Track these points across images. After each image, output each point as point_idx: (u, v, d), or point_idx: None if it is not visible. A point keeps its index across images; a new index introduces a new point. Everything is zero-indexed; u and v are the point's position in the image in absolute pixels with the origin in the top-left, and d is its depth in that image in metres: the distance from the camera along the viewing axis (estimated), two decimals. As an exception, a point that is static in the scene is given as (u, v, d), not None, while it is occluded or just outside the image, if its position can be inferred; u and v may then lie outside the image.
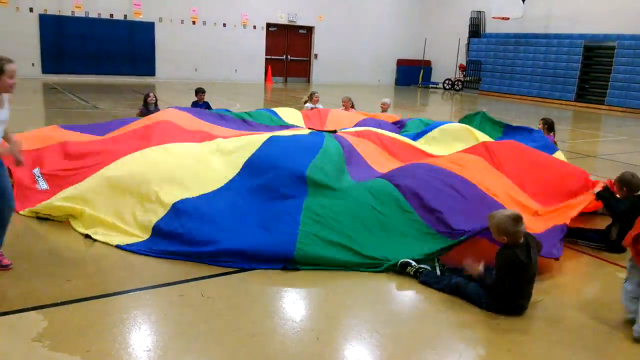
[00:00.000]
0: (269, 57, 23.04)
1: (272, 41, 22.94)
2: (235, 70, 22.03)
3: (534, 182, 5.12)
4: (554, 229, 4.21)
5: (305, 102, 10.09)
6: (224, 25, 21.44)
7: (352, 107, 9.70)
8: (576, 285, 3.95)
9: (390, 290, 3.55)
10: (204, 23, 20.95)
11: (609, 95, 18.78)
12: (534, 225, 4.07)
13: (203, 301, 3.23)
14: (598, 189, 4.72)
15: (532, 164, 5.39)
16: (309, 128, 7.37)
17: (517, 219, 3.26)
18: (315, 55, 24.18)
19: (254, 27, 22.22)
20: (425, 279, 3.61)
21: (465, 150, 5.70)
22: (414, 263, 3.72)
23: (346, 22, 24.24)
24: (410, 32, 26.37)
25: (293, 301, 3.38)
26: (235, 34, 21.74)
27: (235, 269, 3.68)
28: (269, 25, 22.61)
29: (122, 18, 19.31)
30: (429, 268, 3.69)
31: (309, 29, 23.85)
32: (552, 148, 6.63)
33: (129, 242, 3.96)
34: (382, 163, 5.77)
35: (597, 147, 10.85)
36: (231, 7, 21.40)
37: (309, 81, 24.33)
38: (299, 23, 23.31)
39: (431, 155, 6.14)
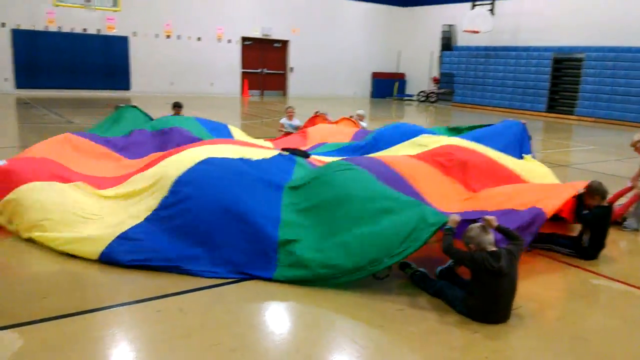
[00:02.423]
0: (245, 70, 23.08)
1: (248, 54, 23.02)
2: (212, 83, 22.00)
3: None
4: (530, 212, 4.24)
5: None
6: (199, 39, 21.43)
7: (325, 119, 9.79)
8: (551, 292, 4.03)
9: (370, 299, 3.57)
10: (179, 37, 20.90)
11: (578, 106, 19.28)
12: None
13: (181, 316, 3.21)
14: (582, 190, 4.68)
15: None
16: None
17: (485, 229, 3.40)
18: (291, 69, 24.32)
19: (229, 41, 22.26)
20: (419, 283, 3.76)
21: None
22: (413, 265, 3.87)
23: (321, 35, 24.47)
24: (384, 45, 26.77)
25: (273, 314, 3.38)
26: (210, 48, 21.74)
27: (213, 283, 3.66)
28: (244, 39, 22.69)
29: (95, 32, 19.17)
30: (426, 272, 3.81)
31: (284, 43, 24.00)
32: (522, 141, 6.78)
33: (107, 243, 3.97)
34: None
35: (569, 157, 11.12)
36: (205, 22, 21.42)
37: (285, 94, 24.43)
38: (274, 37, 23.44)
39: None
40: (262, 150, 5.62)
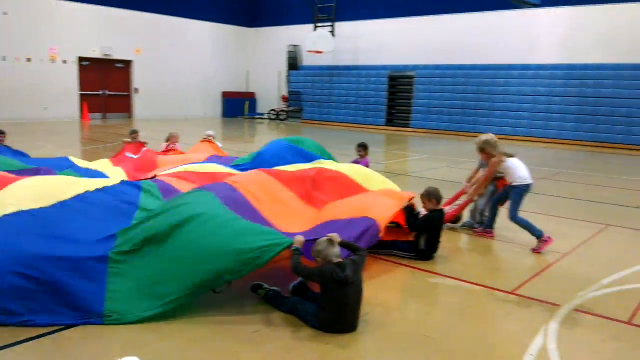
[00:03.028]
0: (84, 92, 21.57)
1: (87, 76, 21.55)
2: (45, 108, 20.18)
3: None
4: (361, 220, 4.54)
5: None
6: (29, 60, 19.59)
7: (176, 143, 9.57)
8: (393, 295, 4.32)
9: (224, 326, 3.51)
10: (4, 58, 18.90)
11: (412, 119, 21.14)
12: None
13: (12, 372, 2.86)
14: (407, 203, 5.22)
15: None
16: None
17: (331, 242, 3.57)
18: (136, 90, 23.28)
19: (64, 61, 20.67)
20: (272, 301, 3.80)
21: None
22: (265, 286, 3.88)
23: (166, 55, 23.82)
24: (233, 65, 26.92)
25: (118, 357, 3.15)
26: (42, 70, 19.97)
27: (47, 331, 3.30)
28: (81, 59, 21.23)
29: None
30: (279, 290, 3.86)
31: (127, 63, 22.91)
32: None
33: None
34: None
35: (407, 166, 12.09)
36: (36, 41, 19.66)
37: (130, 117, 23.27)
38: (115, 57, 22.28)
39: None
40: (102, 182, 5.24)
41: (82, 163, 7.31)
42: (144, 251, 3.83)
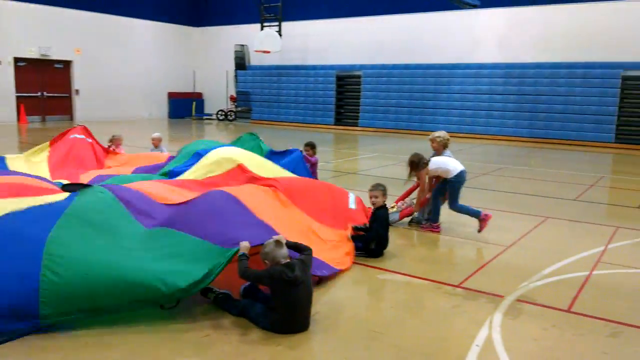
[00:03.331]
0: (21, 94, 20.60)
1: (23, 77, 20.60)
2: (-22, 111, 19.18)
3: (321, 210, 5.44)
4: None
5: None
6: (-42, 60, 18.57)
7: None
8: (343, 292, 4.34)
9: (173, 333, 3.43)
10: None
11: (360, 118, 21.37)
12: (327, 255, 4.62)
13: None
14: (350, 232, 5.28)
15: (315, 191, 5.77)
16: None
17: (279, 243, 3.58)
18: (77, 91, 22.44)
19: (-2, 62, 19.72)
20: (223, 305, 3.74)
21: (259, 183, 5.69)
22: (215, 289, 3.81)
23: (108, 55, 23.09)
24: (179, 65, 26.41)
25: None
26: (-27, 70, 18.96)
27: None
28: (17, 59, 20.27)
29: None
30: (229, 293, 3.81)
31: (66, 63, 22.05)
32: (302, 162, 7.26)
33: None
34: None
35: (356, 165, 12.20)
36: (-35, 40, 18.64)
37: (72, 118, 22.41)
38: (54, 57, 21.39)
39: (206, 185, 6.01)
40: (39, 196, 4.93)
41: (15, 163, 6.96)
42: (74, 257, 3.60)
